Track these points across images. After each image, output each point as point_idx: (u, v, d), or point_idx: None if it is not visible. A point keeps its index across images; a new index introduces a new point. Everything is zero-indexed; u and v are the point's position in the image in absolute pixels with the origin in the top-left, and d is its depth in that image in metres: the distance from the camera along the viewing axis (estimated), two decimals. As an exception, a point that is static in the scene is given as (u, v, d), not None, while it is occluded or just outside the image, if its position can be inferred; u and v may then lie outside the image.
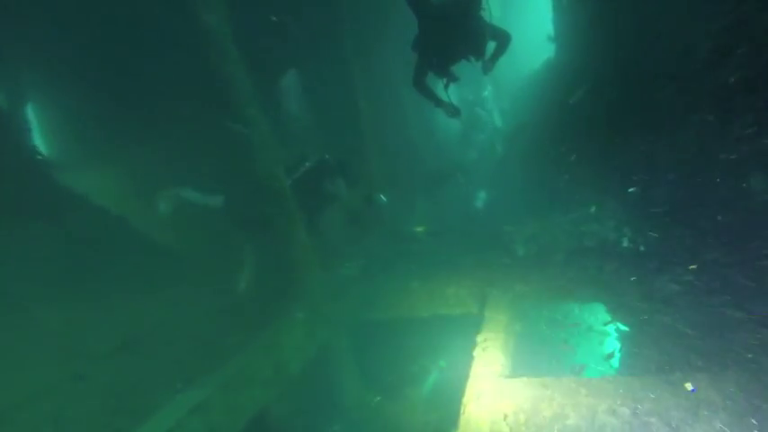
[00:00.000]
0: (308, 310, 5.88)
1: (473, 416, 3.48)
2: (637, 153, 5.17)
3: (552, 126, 7.26)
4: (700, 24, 4.17)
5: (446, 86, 5.18)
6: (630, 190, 5.19)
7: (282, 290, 5.95)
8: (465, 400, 3.70)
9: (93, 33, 6.28)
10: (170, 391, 4.27)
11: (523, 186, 8.71)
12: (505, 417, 3.36)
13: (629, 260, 5.12)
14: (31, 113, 7.14)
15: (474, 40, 4.74)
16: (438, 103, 5.20)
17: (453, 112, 5.27)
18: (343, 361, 6.32)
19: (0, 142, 5.68)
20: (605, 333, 4.72)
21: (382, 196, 8.11)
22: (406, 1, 4.63)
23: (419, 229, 8.42)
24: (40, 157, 6.20)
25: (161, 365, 4.88)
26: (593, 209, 6.05)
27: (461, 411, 3.58)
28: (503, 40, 4.98)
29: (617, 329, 4.55)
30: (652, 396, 3.12)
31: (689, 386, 3.06)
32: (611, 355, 4.38)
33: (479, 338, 4.59)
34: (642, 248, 5.20)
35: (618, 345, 4.43)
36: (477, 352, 4.37)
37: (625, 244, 5.49)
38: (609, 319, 4.62)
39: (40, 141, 7.12)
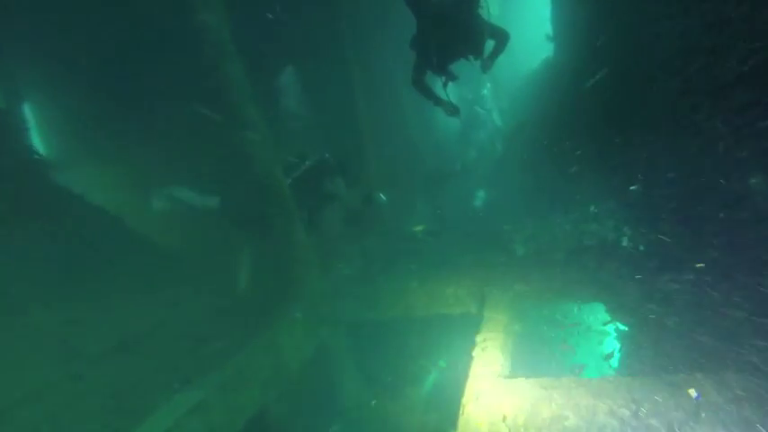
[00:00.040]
0: (307, 310, 5.87)
1: (472, 417, 3.46)
2: (637, 152, 5.15)
3: (551, 125, 7.24)
4: (699, 22, 4.15)
5: (445, 85, 5.16)
6: (632, 188, 5.17)
7: (282, 290, 5.93)
8: (464, 400, 3.69)
9: (90, 32, 6.26)
10: (168, 391, 4.26)
11: (523, 186, 8.69)
12: (504, 418, 3.34)
13: (628, 260, 5.10)
14: (28, 113, 7.12)
15: (472, 38, 4.73)
16: (437, 101, 5.18)
17: (452, 110, 5.25)
18: (342, 361, 6.31)
19: (-2, 142, 5.66)
20: (605, 333, 4.70)
21: (382, 195, 8.09)
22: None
23: (418, 228, 8.39)
24: (37, 157, 6.18)
25: (159, 365, 4.87)
26: (592, 208, 6.04)
27: (460, 412, 3.57)
28: (501, 38, 4.96)
29: (616, 329, 4.54)
30: (652, 397, 3.10)
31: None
32: (610, 355, 4.37)
33: (479, 338, 4.57)
34: (642, 248, 5.18)
35: (617, 345, 4.42)
36: (476, 352, 4.35)
37: (625, 243, 5.47)
38: (608, 318, 4.61)
39: (37, 141, 7.10)
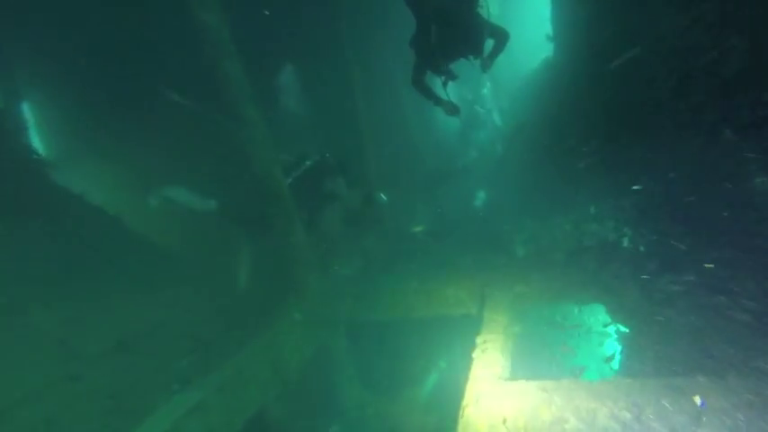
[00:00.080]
0: (306, 311, 5.85)
1: (471, 419, 3.44)
2: (638, 152, 5.13)
3: (551, 125, 7.22)
4: (699, 21, 4.13)
5: (445, 84, 5.15)
6: (635, 188, 5.15)
7: (281, 290, 5.91)
8: (464, 402, 3.66)
9: (89, 31, 6.25)
10: (167, 391, 4.25)
11: (523, 186, 8.67)
12: (504, 421, 3.32)
13: (629, 260, 5.08)
14: (27, 112, 7.11)
15: (472, 37, 4.71)
16: (437, 101, 5.18)
17: (452, 110, 5.25)
18: (342, 362, 6.30)
19: (-3, 141, 5.65)
20: (605, 334, 4.68)
21: (382, 195, 8.07)
22: None
23: (417, 228, 8.37)
24: (36, 157, 6.16)
25: (158, 366, 4.85)
26: (593, 209, 6.01)
27: (460, 414, 3.54)
28: (501, 37, 4.95)
29: (617, 331, 4.52)
30: (654, 400, 3.07)
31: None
32: (611, 358, 4.34)
33: (479, 340, 4.55)
34: (642, 249, 5.16)
35: (618, 347, 4.39)
36: (476, 354, 4.33)
37: (625, 244, 5.45)
38: (609, 320, 4.59)
39: (36, 140, 7.09)
